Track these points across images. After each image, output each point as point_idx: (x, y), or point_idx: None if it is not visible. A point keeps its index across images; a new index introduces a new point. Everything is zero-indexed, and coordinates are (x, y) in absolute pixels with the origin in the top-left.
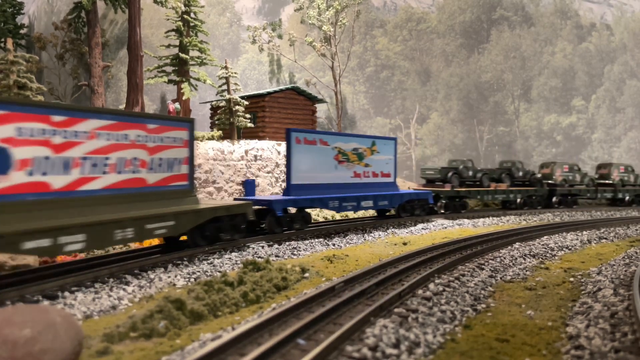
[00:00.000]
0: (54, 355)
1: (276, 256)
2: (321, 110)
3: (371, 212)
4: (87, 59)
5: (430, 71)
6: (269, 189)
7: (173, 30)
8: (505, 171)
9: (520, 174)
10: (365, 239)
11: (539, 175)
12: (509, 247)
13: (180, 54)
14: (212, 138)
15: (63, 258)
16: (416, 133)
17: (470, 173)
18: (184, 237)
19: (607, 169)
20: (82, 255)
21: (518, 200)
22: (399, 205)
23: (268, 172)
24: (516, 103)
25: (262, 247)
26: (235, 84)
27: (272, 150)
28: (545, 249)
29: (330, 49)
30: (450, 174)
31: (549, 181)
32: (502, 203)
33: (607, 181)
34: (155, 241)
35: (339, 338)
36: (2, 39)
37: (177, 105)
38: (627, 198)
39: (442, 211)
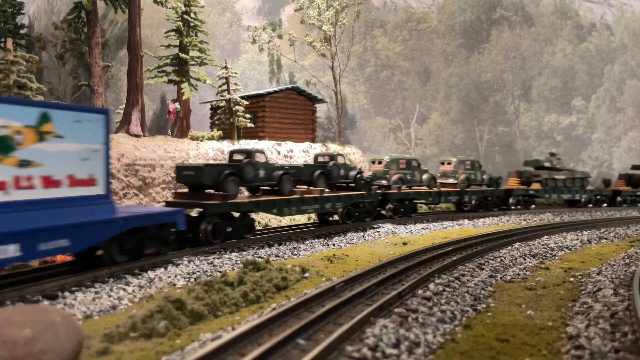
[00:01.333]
0: (54, 355)
1: (276, 256)
2: (321, 110)
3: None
4: (87, 59)
5: (430, 71)
6: None
7: (173, 30)
8: (319, 169)
9: (342, 172)
10: (365, 239)
11: (368, 174)
12: (509, 247)
13: (180, 54)
14: (212, 138)
15: (63, 258)
16: (416, 133)
17: (262, 173)
18: None
19: (451, 165)
20: None
21: (340, 210)
22: (110, 241)
23: None
24: (516, 103)
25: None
26: (235, 84)
27: (272, 150)
28: (546, 249)
29: (330, 49)
30: (224, 174)
31: (383, 182)
32: (318, 216)
33: (450, 180)
34: None
35: (339, 338)
36: (2, 39)
37: (177, 105)
38: (473, 201)
39: (210, 239)
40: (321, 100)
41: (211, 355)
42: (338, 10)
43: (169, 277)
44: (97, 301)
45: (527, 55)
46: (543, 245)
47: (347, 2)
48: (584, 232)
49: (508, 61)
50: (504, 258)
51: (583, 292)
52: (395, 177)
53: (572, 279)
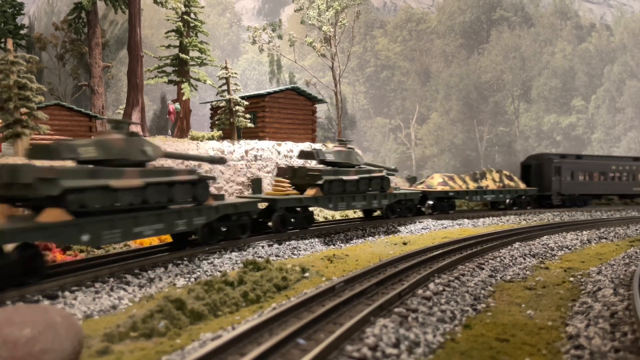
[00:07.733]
0: (54, 355)
1: (276, 256)
2: (321, 110)
3: None
4: (87, 59)
5: (430, 71)
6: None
7: (173, 30)
8: None
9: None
10: (365, 239)
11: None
12: (509, 247)
13: (180, 54)
14: (212, 138)
15: (63, 258)
16: (416, 133)
17: None
18: None
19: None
20: (82, 255)
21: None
22: None
23: (268, 172)
24: (516, 103)
25: (262, 246)
26: (235, 84)
27: (272, 150)
28: (545, 248)
29: (330, 50)
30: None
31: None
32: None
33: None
34: (155, 240)
35: (339, 338)
36: (3, 39)
37: (177, 105)
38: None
39: None
40: (321, 101)
41: (211, 355)
42: (338, 10)
43: (169, 276)
44: (97, 301)
45: (527, 55)
46: (543, 245)
47: (347, 3)
48: (584, 232)
49: (508, 61)
50: (504, 258)
51: (583, 291)
52: None
53: (572, 279)
